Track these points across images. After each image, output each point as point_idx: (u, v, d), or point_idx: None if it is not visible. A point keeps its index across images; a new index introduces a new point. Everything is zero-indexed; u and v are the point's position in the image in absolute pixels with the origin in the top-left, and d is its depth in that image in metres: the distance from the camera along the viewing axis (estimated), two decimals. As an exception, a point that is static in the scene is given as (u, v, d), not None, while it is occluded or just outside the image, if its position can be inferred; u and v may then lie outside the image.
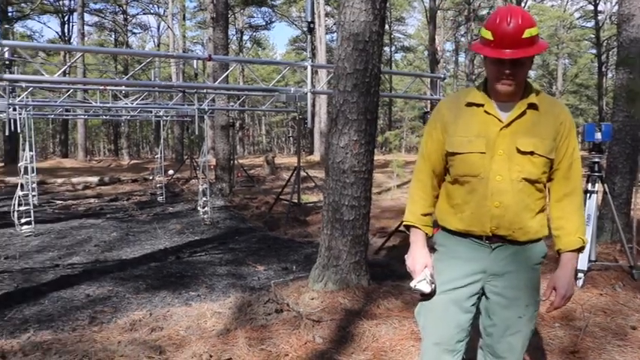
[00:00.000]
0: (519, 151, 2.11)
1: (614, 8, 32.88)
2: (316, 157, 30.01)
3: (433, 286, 2.27)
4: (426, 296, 2.30)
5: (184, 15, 39.08)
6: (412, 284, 2.30)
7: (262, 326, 4.21)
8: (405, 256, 2.38)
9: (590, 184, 5.67)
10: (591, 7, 37.81)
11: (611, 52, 36.76)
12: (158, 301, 5.13)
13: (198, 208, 10.33)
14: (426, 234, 2.37)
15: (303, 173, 10.62)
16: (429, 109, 7.41)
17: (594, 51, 39.47)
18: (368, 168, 4.98)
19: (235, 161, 16.76)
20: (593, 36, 37.75)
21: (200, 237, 8.54)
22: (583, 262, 5.31)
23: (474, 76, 39.40)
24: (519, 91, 2.13)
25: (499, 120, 2.14)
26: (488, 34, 2.05)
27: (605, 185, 6.09)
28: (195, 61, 10.07)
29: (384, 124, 49.71)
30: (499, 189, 2.14)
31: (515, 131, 2.12)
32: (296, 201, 10.35)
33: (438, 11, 30.00)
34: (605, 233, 6.83)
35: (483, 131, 2.15)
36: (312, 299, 4.71)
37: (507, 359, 2.30)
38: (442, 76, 8.73)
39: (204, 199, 9.97)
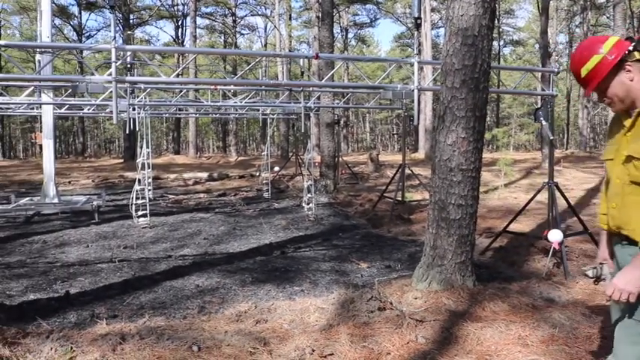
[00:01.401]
0: (626, 157, 2.24)
1: None
2: (421, 154, 29.65)
3: (596, 272, 2.54)
4: (595, 282, 2.59)
5: (290, 15, 39.88)
6: (583, 268, 2.69)
7: (364, 323, 4.20)
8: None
9: None
10: None
11: None
12: (263, 294, 5.27)
13: (303, 204, 10.50)
14: (606, 231, 2.56)
15: (407, 171, 10.51)
16: (540, 105, 7.06)
17: None
18: (476, 166, 4.84)
19: (340, 158, 16.87)
20: None
21: (304, 233, 8.68)
22: None
23: (590, 70, 37.30)
24: (628, 101, 2.25)
25: (626, 127, 2.29)
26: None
27: None
28: (301, 59, 10.24)
29: (492, 121, 48.15)
30: (615, 192, 2.32)
31: (631, 137, 2.25)
32: (400, 199, 10.26)
33: (551, 1, 28.55)
34: None
35: (617, 139, 2.35)
36: (416, 299, 4.65)
37: (616, 357, 2.34)
38: (555, 70, 8.28)
39: (309, 195, 10.12)
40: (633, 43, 2.21)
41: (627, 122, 2.27)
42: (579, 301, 4.82)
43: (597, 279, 2.55)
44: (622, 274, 2.20)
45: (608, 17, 34.36)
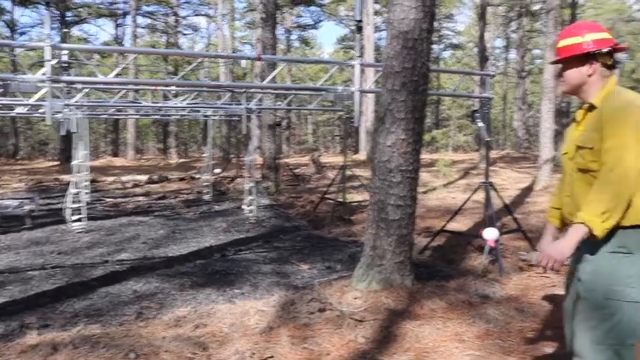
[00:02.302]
0: (575, 147, 2.45)
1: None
2: (362, 156, 29.89)
3: (530, 257, 2.65)
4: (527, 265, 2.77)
5: (234, 16, 39.58)
6: (520, 251, 2.85)
7: (305, 325, 4.20)
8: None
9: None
10: (650, 2, 36.42)
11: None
12: (203, 298, 5.19)
13: (244, 206, 10.42)
14: (553, 224, 2.77)
15: (348, 172, 10.58)
16: (477, 108, 7.26)
17: (653, 46, 38.02)
18: (415, 167, 4.92)
19: (281, 160, 16.84)
20: (653, 30, 36.36)
21: (245, 235, 8.61)
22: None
23: (524, 73, 38.56)
24: (576, 90, 2.49)
25: (577, 122, 2.53)
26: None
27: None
28: (243, 61, 10.16)
29: (432, 123, 49.11)
30: (568, 181, 2.53)
31: (581, 130, 2.47)
32: (341, 200, 10.32)
33: (489, 7, 29.42)
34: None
35: (571, 135, 2.57)
36: (356, 299, 4.68)
37: (576, 344, 2.40)
38: (492, 73, 8.54)
39: (250, 197, 10.05)
40: (610, 47, 2.39)
41: (579, 118, 2.51)
42: (513, 296, 4.97)
43: (530, 263, 2.70)
44: (554, 244, 2.38)
45: (542, 24, 35.62)
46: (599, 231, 2.21)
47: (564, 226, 2.61)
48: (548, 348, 3.79)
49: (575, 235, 2.27)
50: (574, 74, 2.46)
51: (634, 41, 44.44)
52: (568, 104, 26.26)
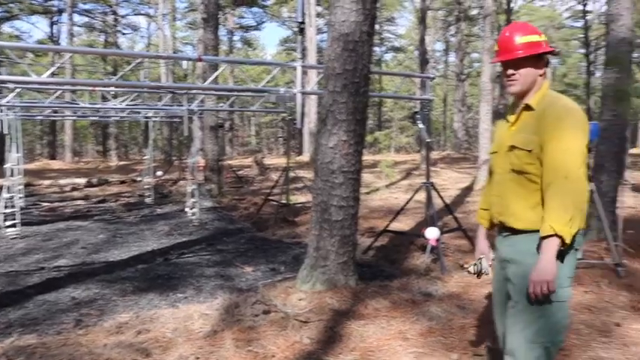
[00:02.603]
0: (508, 147, 2.45)
1: (602, 8, 33.12)
2: (305, 157, 29.95)
3: (478, 269, 2.71)
4: (477, 277, 2.74)
5: (175, 15, 38.92)
6: (466, 265, 2.81)
7: (250, 327, 4.18)
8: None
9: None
10: (580, 7, 38.03)
11: (599, 52, 36.94)
12: (145, 303, 5.08)
13: (187, 209, 10.28)
14: (483, 226, 2.81)
15: (292, 174, 10.59)
16: (418, 109, 7.40)
17: (583, 51, 39.68)
18: (357, 168, 4.97)
19: (224, 162, 16.68)
20: (582, 36, 37.96)
21: (188, 238, 8.49)
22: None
23: (463, 76, 39.52)
24: (527, 91, 2.44)
25: (510, 123, 2.52)
26: (495, 46, 2.51)
27: (593, 184, 6.11)
28: (185, 61, 10.01)
29: (374, 125, 49.69)
30: (498, 180, 2.54)
31: (514, 130, 2.47)
32: (285, 202, 10.32)
33: (429, 11, 30.02)
34: (592, 231, 6.86)
35: (501, 134, 2.59)
36: (300, 300, 4.69)
37: (508, 343, 2.45)
38: (432, 76, 8.73)
39: (193, 200, 9.92)
40: (556, 50, 2.48)
41: (511, 118, 2.51)
42: (454, 294, 5.10)
43: (479, 274, 2.72)
44: (536, 269, 2.23)
45: (479, 28, 36.62)
46: (569, 238, 2.20)
47: (493, 226, 2.67)
48: (489, 343, 3.91)
49: (551, 249, 2.22)
50: (530, 73, 2.41)
51: (565, 47, 46.32)
52: (505, 106, 27.04)
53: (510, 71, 2.41)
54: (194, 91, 11.85)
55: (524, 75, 2.40)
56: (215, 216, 10.83)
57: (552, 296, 2.26)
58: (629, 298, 5.00)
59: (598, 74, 38.43)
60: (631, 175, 16.55)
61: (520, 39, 2.39)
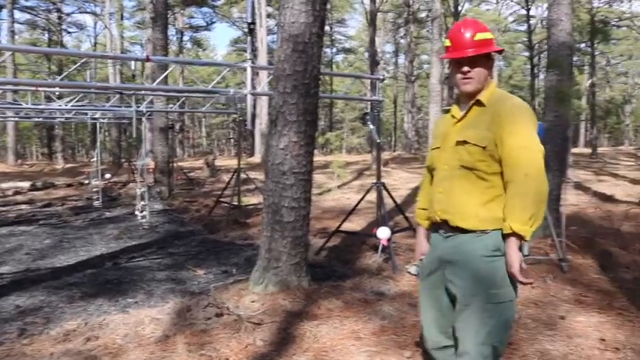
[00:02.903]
0: (457, 142, 2.39)
1: (544, 13, 34.17)
2: (257, 158, 29.85)
3: (417, 269, 2.67)
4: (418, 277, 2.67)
5: (122, 14, 38.13)
6: (406, 266, 2.86)
7: (202, 331, 4.14)
8: None
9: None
10: (524, 12, 39.11)
11: (542, 55, 38.10)
12: (94, 309, 4.96)
13: (137, 212, 10.08)
14: (423, 226, 2.73)
15: (243, 175, 10.54)
16: (368, 110, 7.47)
17: (527, 53, 40.82)
18: (308, 169, 4.98)
19: (175, 164, 16.47)
20: (526, 39, 39.03)
21: (138, 242, 8.33)
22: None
23: (413, 78, 40.09)
24: (479, 90, 2.41)
25: (456, 118, 2.47)
26: (447, 42, 2.42)
27: (537, 183, 6.29)
28: (133, 62, 9.82)
29: (325, 125, 49.92)
30: (443, 176, 2.46)
31: (463, 126, 2.42)
32: (236, 203, 10.26)
33: (378, 13, 30.34)
34: (538, 228, 7.07)
35: (444, 130, 2.52)
36: (253, 302, 4.68)
37: (460, 345, 2.39)
38: (381, 77, 8.83)
39: (143, 202, 9.75)
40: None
41: (457, 114, 2.48)
42: (406, 292, 5.16)
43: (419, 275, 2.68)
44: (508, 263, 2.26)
45: (428, 31, 37.25)
46: (529, 236, 2.23)
47: (434, 224, 2.53)
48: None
49: (512, 247, 2.24)
50: (483, 72, 2.39)
51: (510, 50, 47.63)
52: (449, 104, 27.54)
53: (466, 68, 2.35)
54: (142, 92, 11.67)
55: (478, 73, 2.37)
56: (166, 219, 10.67)
57: (500, 297, 2.29)
58: (572, 292, 5.19)
59: (542, 76, 39.71)
60: (573, 174, 17.17)
61: (477, 36, 2.35)
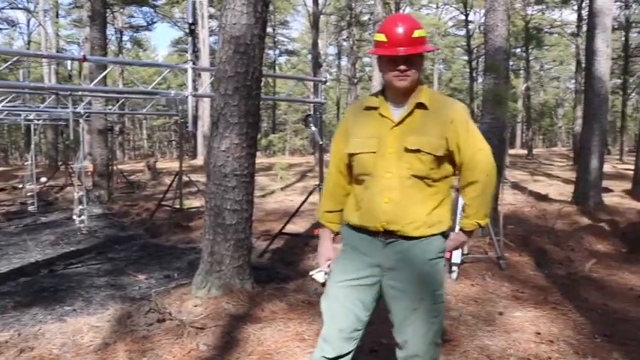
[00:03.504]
0: (407, 150, 2.26)
1: (482, 19, 35.16)
2: (200, 161, 29.48)
3: (327, 277, 2.50)
4: (323, 286, 2.52)
5: (57, 12, 36.88)
6: (310, 273, 2.58)
7: (144, 337, 4.05)
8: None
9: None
10: (463, 17, 40.16)
11: (480, 59, 39.19)
12: (28, 319, 4.77)
13: (74, 217, 9.76)
14: (331, 229, 2.61)
15: (185, 178, 10.40)
16: (311, 112, 7.51)
17: (466, 57, 41.94)
18: (250, 171, 4.96)
19: (114, 167, 16.08)
20: (465, 43, 40.10)
21: (76, 247, 8.09)
22: (457, 255, 5.63)
23: (355, 80, 40.48)
24: (414, 88, 2.33)
25: (391, 121, 2.32)
26: (382, 37, 2.26)
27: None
28: (69, 61, 9.53)
29: (268, 127, 49.82)
30: (388, 185, 2.28)
31: (405, 130, 2.29)
32: (178, 206, 10.11)
33: (321, 16, 30.53)
34: (477, 228, 7.27)
35: (377, 132, 2.33)
36: (196, 306, 4.62)
37: (408, 351, 2.37)
38: (324, 79, 8.88)
39: (81, 207, 9.46)
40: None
41: (388, 114, 2.33)
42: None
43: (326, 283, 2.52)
44: (451, 241, 2.43)
45: (370, 34, 37.69)
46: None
47: (378, 234, 2.34)
48: (384, 339, 4.03)
49: (468, 236, 2.50)
50: (418, 70, 2.30)
51: (449, 53, 48.80)
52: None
53: (403, 67, 2.23)
54: (80, 93, 11.34)
55: (416, 72, 2.28)
56: (105, 223, 10.40)
57: (442, 298, 2.38)
58: (510, 289, 5.38)
59: (480, 80, 40.86)
60: (510, 174, 17.74)
61: (415, 33, 2.24)
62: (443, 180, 2.35)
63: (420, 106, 2.30)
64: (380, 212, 2.29)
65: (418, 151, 2.24)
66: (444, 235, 2.38)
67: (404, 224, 2.27)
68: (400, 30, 2.23)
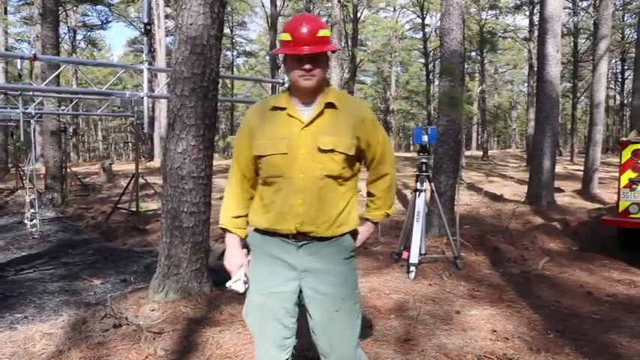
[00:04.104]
0: (320, 150, 2.23)
1: (438, 22, 35.74)
2: (156, 163, 29.06)
3: (247, 285, 2.40)
4: (243, 295, 2.41)
5: (6, 9, 35.76)
6: (228, 284, 2.42)
7: (99, 344, 3.96)
8: (223, 258, 2.50)
9: (418, 184, 6.09)
10: (419, 20, 40.77)
11: (436, 62, 39.82)
12: (-25, 327, 4.61)
13: (26, 220, 9.50)
14: (240, 235, 2.48)
15: (141, 180, 10.24)
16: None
17: (423, 60, 42.55)
18: (207, 173, 4.91)
19: (68, 169, 15.72)
20: (422, 46, 40.71)
21: (28, 252, 7.86)
22: (414, 255, 5.70)
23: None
24: (320, 88, 2.29)
25: (300, 121, 2.27)
26: (287, 36, 2.21)
27: (432, 184, 6.59)
28: (19, 60, 9.25)
29: (226, 129, 49.47)
30: (302, 187, 2.24)
31: (316, 131, 2.25)
32: (135, 209, 9.94)
33: (279, 17, 30.50)
34: (433, 228, 7.40)
35: (286, 133, 2.26)
36: (153, 310, 4.55)
37: (334, 354, 2.36)
38: (281, 81, 8.87)
39: (33, 210, 9.21)
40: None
41: (295, 114, 2.28)
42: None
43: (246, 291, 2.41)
44: (361, 238, 2.51)
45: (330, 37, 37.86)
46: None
47: (290, 236, 2.30)
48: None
49: (373, 229, 2.62)
50: (324, 69, 2.28)
51: (406, 56, 49.44)
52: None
53: (309, 66, 2.19)
54: (31, 93, 11.06)
55: (320, 70, 2.24)
56: (59, 227, 10.14)
57: (359, 293, 2.45)
58: (467, 288, 5.47)
59: (436, 82, 41.47)
60: (466, 175, 18.07)
61: (320, 32, 2.21)
62: (352, 179, 2.36)
63: (330, 105, 2.29)
64: (294, 214, 2.26)
65: (332, 151, 2.23)
66: (352, 232, 2.39)
67: (318, 225, 2.26)
68: (305, 29, 2.20)
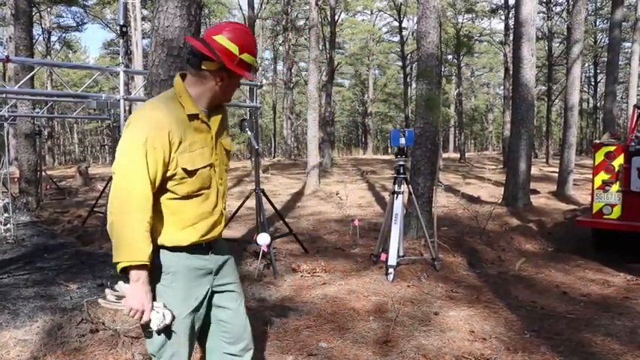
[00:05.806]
0: (227, 152, 2.37)
1: (415, 26, 36.04)
2: (135, 166, 28.71)
3: (169, 312, 2.15)
4: (168, 324, 2.17)
5: (-22, 10, 35.23)
6: (156, 325, 2.11)
7: (75, 349, 3.93)
8: (123, 301, 2.14)
9: (396, 186, 6.14)
10: (396, 24, 41.01)
11: (414, 65, 40.07)
12: (-52, 333, 4.53)
13: (-1, 225, 9.36)
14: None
15: (119, 183, 10.11)
16: (247, 117, 7.48)
17: (400, 63, 42.79)
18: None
19: (43, 172, 15.50)
20: (399, 49, 40.95)
21: (1, 257, 7.72)
22: (392, 257, 5.74)
23: (291, 84, 40.56)
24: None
25: (209, 127, 2.24)
26: (254, 61, 2.18)
27: (410, 186, 6.63)
28: (-9, 63, 9.11)
29: (206, 132, 48.90)
30: (223, 192, 2.34)
31: (220, 134, 2.31)
32: (112, 213, 9.82)
33: (257, 20, 30.46)
34: (412, 230, 7.44)
35: (205, 141, 2.21)
36: (130, 315, 4.50)
37: (243, 342, 2.45)
38: (259, 83, 8.84)
39: (7, 215, 9.06)
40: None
41: (207, 120, 2.21)
42: (287, 297, 5.22)
43: (173, 317, 2.17)
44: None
45: (305, 39, 37.89)
46: None
47: (185, 247, 2.21)
48: (323, 342, 4.06)
49: None
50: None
51: (384, 59, 49.70)
52: (332, 114, 28.24)
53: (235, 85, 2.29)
54: (4, 95, 10.88)
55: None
56: (34, 231, 9.97)
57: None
58: (445, 289, 5.52)
59: (413, 85, 41.78)
60: (444, 177, 18.20)
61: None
62: None
63: (216, 110, 2.29)
64: (220, 220, 2.30)
65: (229, 151, 2.37)
66: None
67: (221, 229, 2.34)
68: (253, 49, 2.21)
